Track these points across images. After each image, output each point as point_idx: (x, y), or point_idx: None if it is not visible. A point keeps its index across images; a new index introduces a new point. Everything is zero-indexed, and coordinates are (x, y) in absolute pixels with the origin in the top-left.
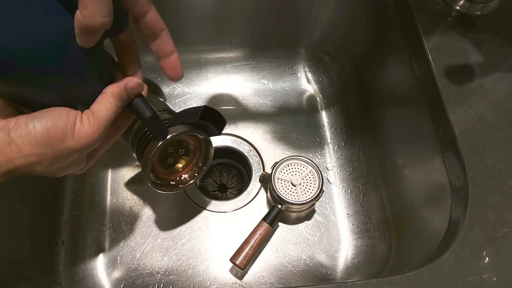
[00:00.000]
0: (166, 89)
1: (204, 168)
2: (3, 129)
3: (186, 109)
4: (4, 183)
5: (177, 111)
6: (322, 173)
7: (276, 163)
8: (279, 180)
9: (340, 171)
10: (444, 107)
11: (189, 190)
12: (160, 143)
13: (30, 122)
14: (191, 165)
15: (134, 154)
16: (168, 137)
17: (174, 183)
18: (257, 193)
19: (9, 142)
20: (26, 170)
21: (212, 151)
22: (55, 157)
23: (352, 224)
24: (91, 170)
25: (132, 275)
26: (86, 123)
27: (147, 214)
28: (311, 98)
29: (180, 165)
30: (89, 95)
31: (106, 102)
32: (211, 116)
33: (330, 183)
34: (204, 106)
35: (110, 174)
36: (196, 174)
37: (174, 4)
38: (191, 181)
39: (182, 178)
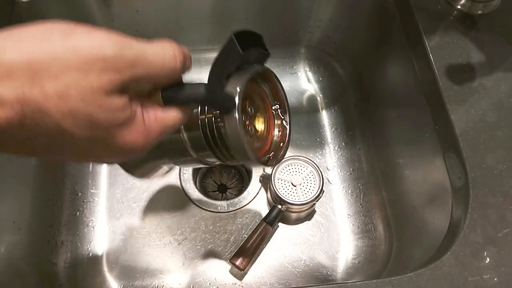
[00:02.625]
0: None
1: (285, 106)
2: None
3: (218, 56)
4: (4, 183)
5: None
6: (323, 173)
7: None
8: (279, 180)
9: (340, 171)
10: (445, 106)
11: (189, 190)
12: (236, 112)
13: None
14: (270, 115)
15: (210, 159)
16: (236, 99)
17: (272, 148)
18: (257, 193)
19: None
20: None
21: (279, 83)
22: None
23: (353, 224)
24: (91, 170)
25: (132, 275)
26: (152, 122)
27: (147, 214)
28: (312, 98)
29: (261, 126)
30: None
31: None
32: (248, 39)
33: (331, 183)
34: (232, 35)
35: (109, 174)
36: (284, 122)
37: (174, 4)
38: (287, 133)
39: (275, 137)
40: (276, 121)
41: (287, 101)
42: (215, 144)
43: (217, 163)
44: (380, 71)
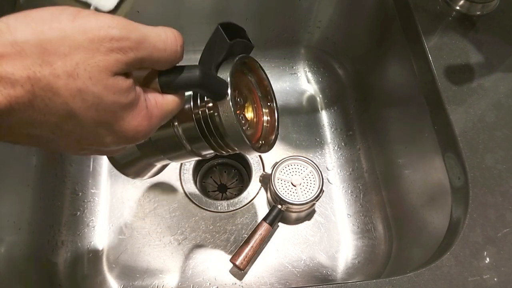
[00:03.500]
0: None
1: (271, 93)
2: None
3: (207, 46)
4: (5, 183)
5: None
6: (322, 173)
7: (276, 163)
8: (279, 180)
9: (340, 171)
10: (444, 107)
11: (189, 190)
12: (229, 97)
13: None
14: (258, 103)
15: (205, 151)
16: (228, 84)
17: (263, 135)
18: (257, 193)
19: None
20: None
21: (263, 71)
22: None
23: (353, 224)
24: (91, 170)
25: (131, 275)
26: (154, 107)
27: (147, 214)
28: (311, 98)
29: (251, 114)
30: None
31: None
32: (232, 31)
33: (330, 183)
34: (219, 25)
35: (109, 174)
36: (271, 108)
37: (174, 4)
38: (275, 118)
39: (264, 123)
40: (264, 109)
41: (271, 88)
42: (210, 134)
43: (212, 154)
44: (379, 72)
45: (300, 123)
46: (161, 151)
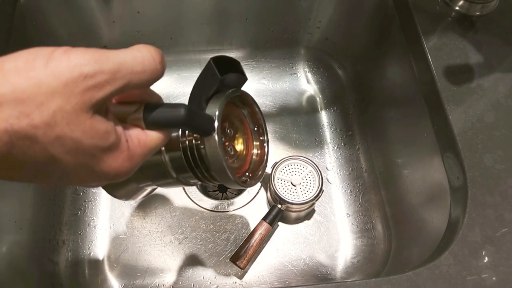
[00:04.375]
0: (166, 89)
1: (263, 126)
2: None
3: (197, 80)
4: (5, 183)
5: None
6: (322, 173)
7: (276, 163)
8: (279, 180)
9: (339, 171)
10: (444, 107)
11: (189, 190)
12: (215, 133)
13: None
14: (249, 136)
15: (192, 180)
16: (216, 121)
17: (251, 168)
18: (257, 193)
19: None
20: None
21: (256, 105)
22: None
23: (352, 223)
24: None
25: (132, 274)
26: (136, 146)
27: (147, 214)
28: (311, 98)
29: (241, 146)
30: None
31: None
32: (225, 64)
33: (330, 183)
34: (210, 59)
35: None
36: (262, 142)
37: (174, 4)
38: (265, 152)
39: (254, 156)
40: (254, 142)
41: (264, 122)
42: (195, 165)
43: (198, 183)
44: (379, 72)
45: (300, 123)
46: (148, 177)
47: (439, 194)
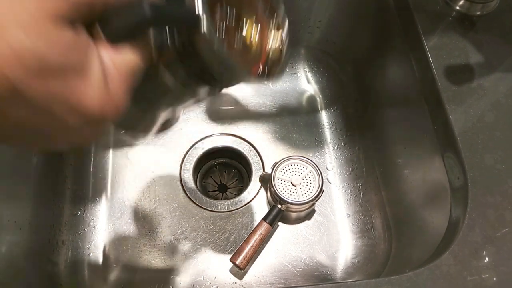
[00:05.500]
0: None
1: (278, 7)
2: None
3: None
4: (5, 183)
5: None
6: (322, 173)
7: (276, 163)
8: (279, 180)
9: (340, 171)
10: (444, 107)
11: (189, 189)
12: (202, 20)
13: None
14: (261, 20)
15: (202, 90)
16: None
17: (270, 58)
18: (257, 193)
19: None
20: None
21: None
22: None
23: (352, 224)
24: (92, 170)
25: (132, 275)
26: (112, 70)
27: (147, 214)
28: (311, 98)
29: (249, 29)
30: None
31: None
32: None
33: (330, 183)
34: None
35: (110, 174)
36: (279, 27)
37: None
38: (283, 39)
39: (269, 44)
40: (271, 28)
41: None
42: (191, 62)
43: (213, 91)
44: (379, 72)
45: (300, 123)
46: (158, 102)
47: (440, 194)
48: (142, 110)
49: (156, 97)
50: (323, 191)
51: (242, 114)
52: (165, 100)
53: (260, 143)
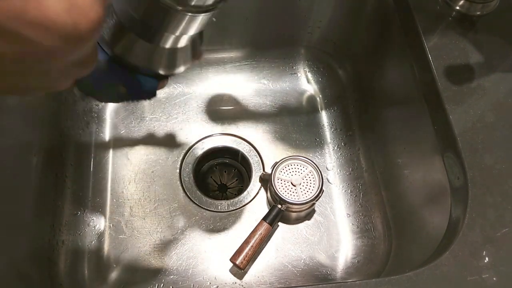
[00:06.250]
0: (166, 89)
1: None
2: None
3: None
4: (5, 183)
5: (177, 112)
6: (322, 173)
7: (276, 163)
8: (279, 180)
9: (340, 171)
10: (444, 107)
11: (189, 189)
12: None
13: None
14: None
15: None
16: None
17: None
18: (257, 193)
19: None
20: None
21: None
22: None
23: (352, 224)
24: (92, 170)
25: (132, 274)
26: None
27: (147, 214)
28: (311, 98)
29: None
30: None
31: None
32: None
33: (330, 183)
34: None
35: (110, 174)
36: None
37: None
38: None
39: None
40: None
41: None
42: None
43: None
44: (379, 72)
45: (300, 123)
46: (168, 30)
47: (440, 194)
48: (167, 44)
49: (156, 22)
50: (323, 191)
51: (242, 114)
52: (166, 26)
53: (260, 143)
